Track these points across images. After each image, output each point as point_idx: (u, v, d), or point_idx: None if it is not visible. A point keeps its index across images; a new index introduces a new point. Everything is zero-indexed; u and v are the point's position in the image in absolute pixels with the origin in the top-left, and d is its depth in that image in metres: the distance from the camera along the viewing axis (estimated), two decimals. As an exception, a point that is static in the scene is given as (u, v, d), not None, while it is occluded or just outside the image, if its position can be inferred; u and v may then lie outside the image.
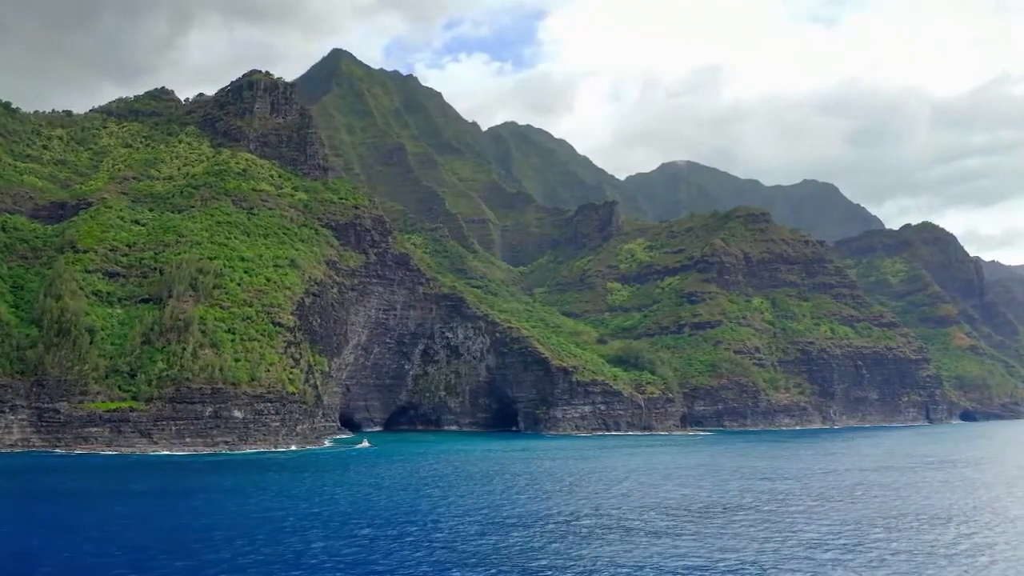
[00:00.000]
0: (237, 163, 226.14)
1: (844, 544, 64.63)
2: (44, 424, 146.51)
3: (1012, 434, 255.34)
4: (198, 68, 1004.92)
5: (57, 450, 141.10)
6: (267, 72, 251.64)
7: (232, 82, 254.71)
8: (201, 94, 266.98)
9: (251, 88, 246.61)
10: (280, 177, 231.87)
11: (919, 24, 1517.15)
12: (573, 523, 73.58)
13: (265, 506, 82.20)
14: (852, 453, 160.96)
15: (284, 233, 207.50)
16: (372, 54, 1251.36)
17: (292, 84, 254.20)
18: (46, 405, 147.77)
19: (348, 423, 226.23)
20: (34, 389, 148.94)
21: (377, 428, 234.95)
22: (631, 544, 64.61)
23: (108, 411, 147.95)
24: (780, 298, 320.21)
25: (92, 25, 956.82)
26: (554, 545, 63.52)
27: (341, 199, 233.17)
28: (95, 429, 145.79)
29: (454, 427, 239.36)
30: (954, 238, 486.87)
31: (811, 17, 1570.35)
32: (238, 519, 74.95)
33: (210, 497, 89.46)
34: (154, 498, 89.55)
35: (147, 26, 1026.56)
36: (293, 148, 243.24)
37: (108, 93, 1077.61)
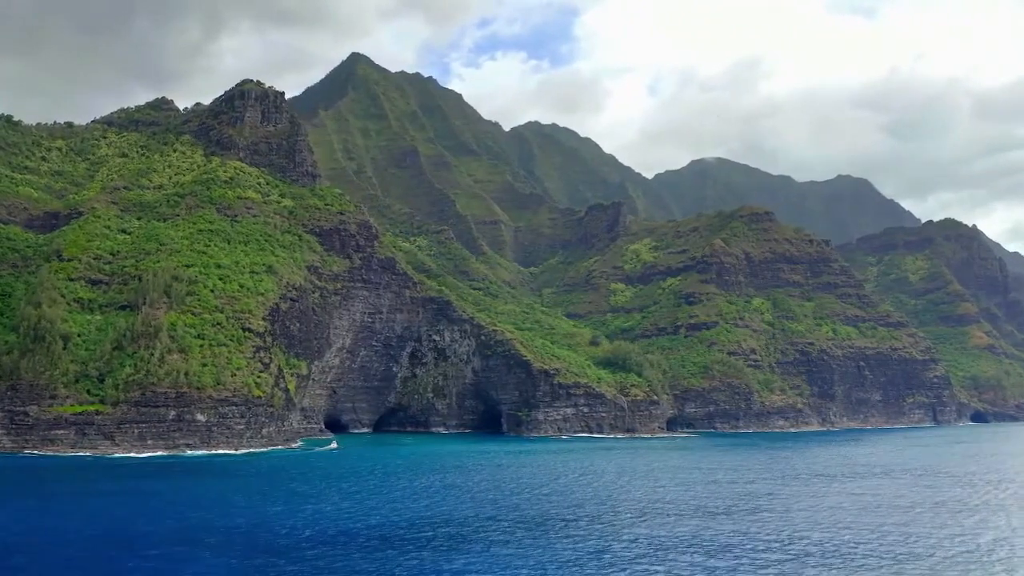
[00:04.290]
0: (225, 171, 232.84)
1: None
2: (15, 426, 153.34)
3: (1009, 438, 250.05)
4: (230, 73, 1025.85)
5: (24, 451, 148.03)
6: (258, 81, 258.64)
7: (225, 91, 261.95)
8: (198, 103, 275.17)
9: (242, 97, 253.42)
10: (268, 184, 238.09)
11: (960, 14, 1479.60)
12: (410, 534, 76.02)
13: (121, 513, 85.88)
14: (804, 458, 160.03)
15: (265, 240, 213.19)
16: (405, 55, 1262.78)
17: (282, 93, 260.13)
18: (18, 408, 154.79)
19: (335, 425, 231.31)
20: (8, 393, 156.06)
21: (365, 430, 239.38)
22: (451, 553, 67.31)
23: (74, 414, 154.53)
24: (782, 298, 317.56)
25: (125, 30, 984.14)
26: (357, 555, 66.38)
27: (327, 205, 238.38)
28: (61, 431, 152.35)
29: (441, 429, 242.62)
30: (978, 234, 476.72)
31: (851, 8, 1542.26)
32: (75, 525, 78.75)
33: (75, 503, 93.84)
34: (24, 500, 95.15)
35: (179, 30, 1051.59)
36: (283, 156, 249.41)
37: (140, 98, 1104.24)
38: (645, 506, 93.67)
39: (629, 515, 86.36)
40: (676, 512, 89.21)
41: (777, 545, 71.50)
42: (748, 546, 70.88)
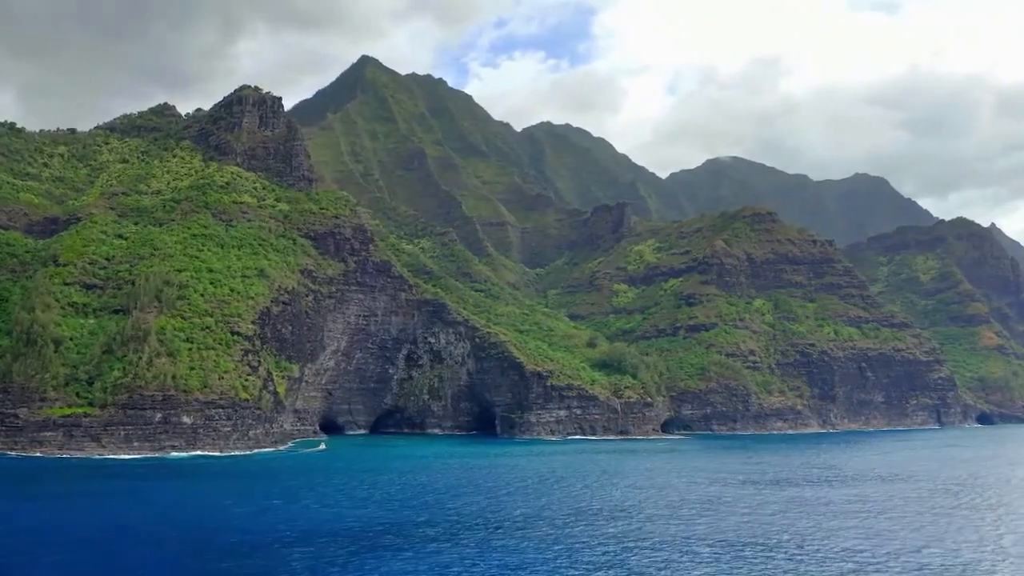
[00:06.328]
0: (222, 176, 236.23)
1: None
2: (4, 428, 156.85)
3: (1012, 440, 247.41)
4: (248, 75, 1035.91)
5: (11, 452, 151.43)
6: (256, 87, 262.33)
7: (224, 97, 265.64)
8: (199, 109, 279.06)
9: (240, 103, 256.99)
10: (264, 189, 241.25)
11: (981, 9, 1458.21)
12: (360, 536, 77.85)
13: (79, 515, 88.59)
14: (783, 463, 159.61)
15: (259, 244, 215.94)
16: (423, 57, 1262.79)
17: (279, 98, 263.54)
18: (8, 410, 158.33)
19: (332, 426, 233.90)
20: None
21: (362, 431, 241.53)
22: (383, 554, 69.00)
23: (63, 416, 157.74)
24: (783, 299, 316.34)
25: (141, 34, 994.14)
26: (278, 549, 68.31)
27: (322, 209, 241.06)
28: (49, 433, 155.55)
29: (437, 430, 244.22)
30: (991, 234, 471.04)
31: (871, 4, 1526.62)
32: (35, 525, 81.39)
33: (42, 504, 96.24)
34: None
35: (196, 33, 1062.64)
36: (280, 160, 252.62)
37: (157, 102, 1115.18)
38: (600, 509, 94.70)
39: (578, 519, 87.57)
40: (626, 515, 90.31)
41: (708, 548, 72.44)
42: (680, 548, 71.88)
